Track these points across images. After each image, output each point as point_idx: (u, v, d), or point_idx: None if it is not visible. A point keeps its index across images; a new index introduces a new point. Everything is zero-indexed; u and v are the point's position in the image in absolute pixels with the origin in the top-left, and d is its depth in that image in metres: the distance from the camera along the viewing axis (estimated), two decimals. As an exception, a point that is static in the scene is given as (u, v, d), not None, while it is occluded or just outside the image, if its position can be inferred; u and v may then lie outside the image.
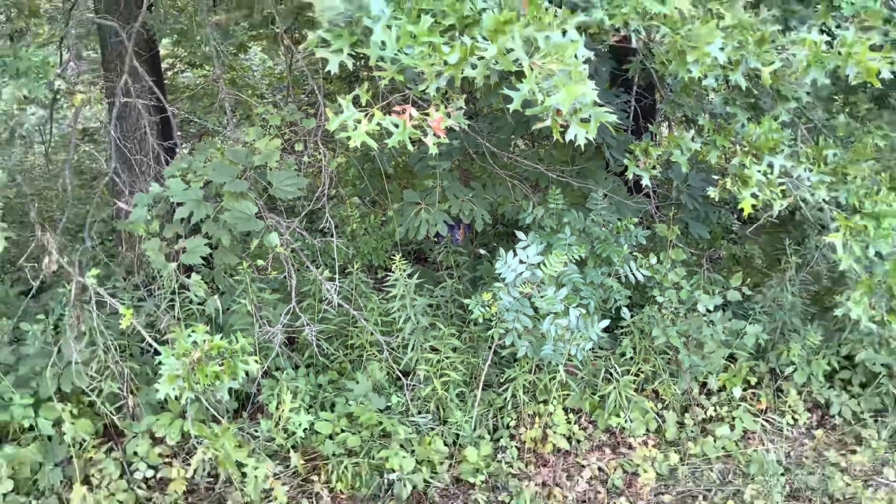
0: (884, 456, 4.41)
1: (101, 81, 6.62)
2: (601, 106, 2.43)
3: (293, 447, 4.13)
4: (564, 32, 2.47)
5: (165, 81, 7.14)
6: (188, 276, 4.36)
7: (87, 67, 8.00)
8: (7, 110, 3.89)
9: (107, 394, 4.10)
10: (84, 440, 4.05)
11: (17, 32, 5.55)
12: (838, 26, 3.22)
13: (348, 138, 2.45)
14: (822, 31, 3.17)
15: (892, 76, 3.17)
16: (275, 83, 8.49)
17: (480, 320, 4.19)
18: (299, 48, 4.57)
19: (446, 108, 2.55)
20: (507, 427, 4.47)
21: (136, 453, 4.09)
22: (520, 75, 2.35)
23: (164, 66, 7.36)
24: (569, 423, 4.49)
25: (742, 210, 3.39)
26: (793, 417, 4.74)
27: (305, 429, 4.09)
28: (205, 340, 3.45)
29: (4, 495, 3.89)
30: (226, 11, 6.43)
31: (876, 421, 4.63)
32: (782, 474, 4.28)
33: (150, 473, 4.07)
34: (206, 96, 7.39)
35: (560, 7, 2.68)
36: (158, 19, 5.42)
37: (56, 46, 5.91)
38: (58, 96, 6.52)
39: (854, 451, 4.48)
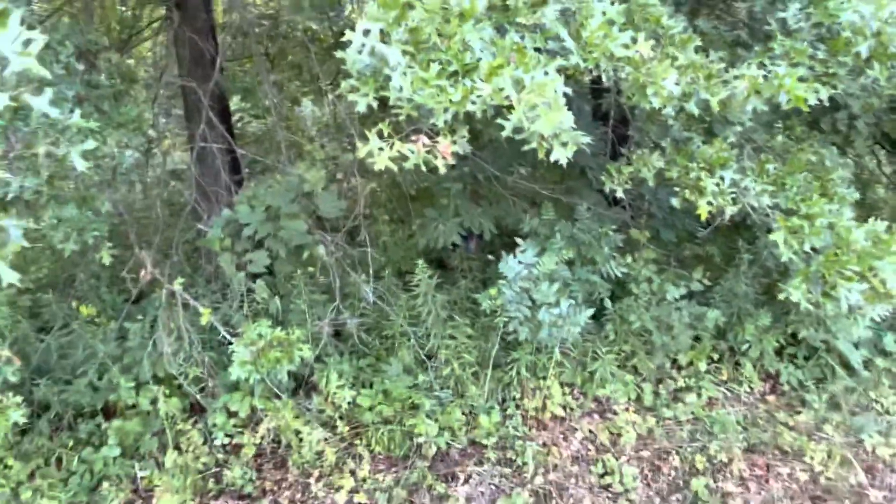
0: (823, 415, 4.31)
1: (185, 132, 6.72)
2: (578, 132, 2.44)
3: (340, 417, 4.13)
4: (546, 73, 2.48)
5: (236, 130, 7.23)
6: (254, 282, 4.39)
7: (175, 123, 8.12)
8: (110, 152, 3.95)
9: (192, 377, 4.13)
10: (174, 415, 4.08)
11: (119, 93, 5.64)
12: (773, 63, 3.19)
13: (374, 163, 2.47)
14: (759, 67, 3.14)
15: (818, 102, 3.15)
16: (322, 129, 8.56)
17: (489, 312, 4.17)
18: (338, 96, 4.62)
19: (452, 137, 2.56)
20: (513, 399, 4.43)
21: (215, 424, 4.11)
22: (510, 108, 2.36)
23: (234, 118, 7.46)
24: (563, 394, 4.44)
25: (700, 216, 3.36)
26: (749, 386, 4.66)
27: (349, 402, 4.09)
28: (268, 332, 3.48)
29: (114, 458, 3.93)
30: (281, 72, 6.51)
31: (817, 387, 4.54)
32: (741, 432, 4.21)
33: (226, 440, 4.09)
34: (266, 140, 7.47)
35: (542, 54, 2.69)
36: (228, 80, 5.48)
37: (150, 105, 6.01)
38: (151, 144, 6.64)
39: (799, 412, 4.39)
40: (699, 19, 4.33)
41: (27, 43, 1.69)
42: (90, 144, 2.25)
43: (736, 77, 3.11)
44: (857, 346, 4.54)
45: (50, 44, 3.19)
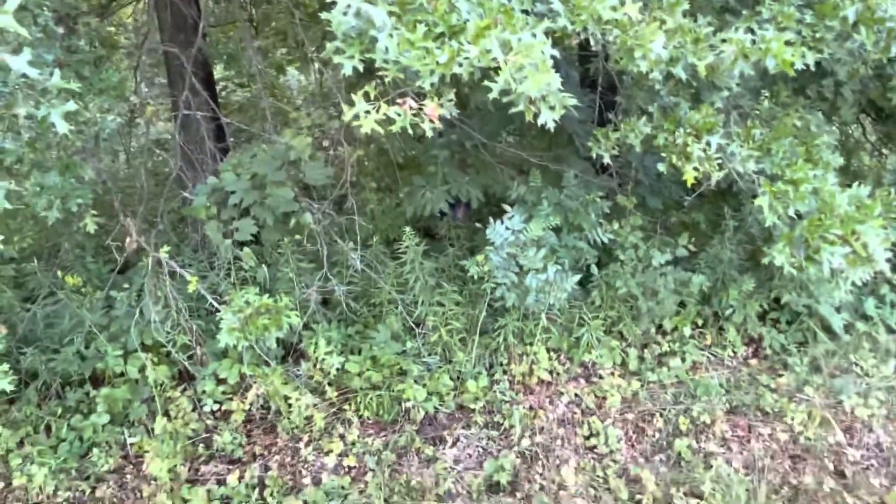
0: (805, 378, 4.39)
1: (169, 101, 6.62)
2: (565, 94, 2.42)
3: (329, 383, 4.16)
4: (534, 35, 2.46)
5: (220, 99, 7.12)
6: (241, 250, 4.37)
7: (159, 90, 7.99)
8: (92, 118, 3.89)
9: (180, 345, 4.13)
10: (163, 382, 4.09)
11: (100, 59, 5.54)
12: (760, 27, 3.17)
13: (360, 127, 2.45)
14: (747, 31, 3.13)
15: (804, 67, 3.15)
16: (308, 97, 8.45)
17: (476, 278, 4.19)
18: (324, 63, 4.54)
19: (439, 100, 2.54)
20: (501, 364, 4.47)
21: (204, 391, 4.13)
22: (497, 71, 2.34)
23: (218, 87, 7.34)
24: (550, 359, 4.49)
25: (686, 183, 3.38)
26: (732, 350, 4.72)
27: (338, 369, 4.10)
28: (256, 300, 3.48)
29: (103, 425, 3.94)
30: (265, 38, 6.39)
31: (799, 351, 4.62)
32: (723, 395, 4.29)
33: (215, 407, 4.12)
34: (251, 108, 7.37)
35: (530, 16, 2.66)
36: (211, 46, 5.38)
37: (133, 72, 5.91)
38: (134, 112, 6.53)
39: (781, 375, 4.47)
40: (688, -16, 4.29)
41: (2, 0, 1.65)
42: (71, 106, 2.21)
43: (723, 41, 3.09)
44: (838, 310, 4.61)
45: (27, 6, 3.11)
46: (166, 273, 4.14)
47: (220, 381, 4.18)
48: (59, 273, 4.47)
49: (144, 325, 4.14)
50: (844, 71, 4.30)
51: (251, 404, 4.10)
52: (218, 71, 7.47)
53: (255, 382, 4.07)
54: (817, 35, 3.29)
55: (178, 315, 4.14)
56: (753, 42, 3.03)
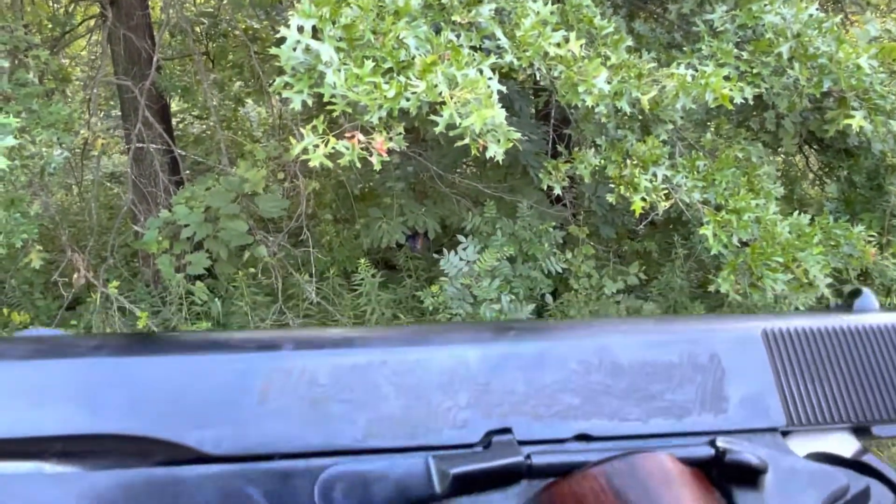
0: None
1: (122, 132, 6.54)
2: (511, 128, 2.47)
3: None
4: (480, 71, 2.51)
5: (177, 132, 7.06)
6: (194, 284, 4.30)
7: (113, 124, 7.90)
8: (38, 151, 3.82)
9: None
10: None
11: (50, 92, 5.46)
12: (701, 63, 3.30)
13: (309, 160, 2.45)
14: (688, 67, 3.24)
15: (744, 101, 3.28)
16: (268, 129, 8.44)
17: (431, 309, 4.18)
18: (279, 95, 4.54)
19: (388, 133, 2.56)
20: (459, 395, 4.43)
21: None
22: (444, 105, 2.37)
23: (175, 120, 7.28)
24: (508, 389, 4.47)
25: (635, 212, 3.45)
26: (686, 376, 4.77)
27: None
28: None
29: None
30: (222, 71, 6.38)
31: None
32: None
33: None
34: (208, 140, 7.32)
35: (478, 52, 2.72)
36: (165, 78, 5.36)
37: (86, 105, 5.83)
38: (86, 145, 6.42)
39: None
40: (636, 21, 4.45)
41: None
42: (11, 141, 2.17)
43: (665, 76, 3.20)
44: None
45: (-30, 39, 3.06)
46: (115, 309, 4.04)
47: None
48: (6, 311, 4.32)
49: (92, 363, 4.02)
50: (784, 104, 4.49)
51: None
52: (175, 103, 7.42)
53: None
54: (754, 70, 3.43)
55: (128, 352, 4.03)
56: (693, 77, 3.14)
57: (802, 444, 0.49)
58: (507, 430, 0.45)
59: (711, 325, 0.54)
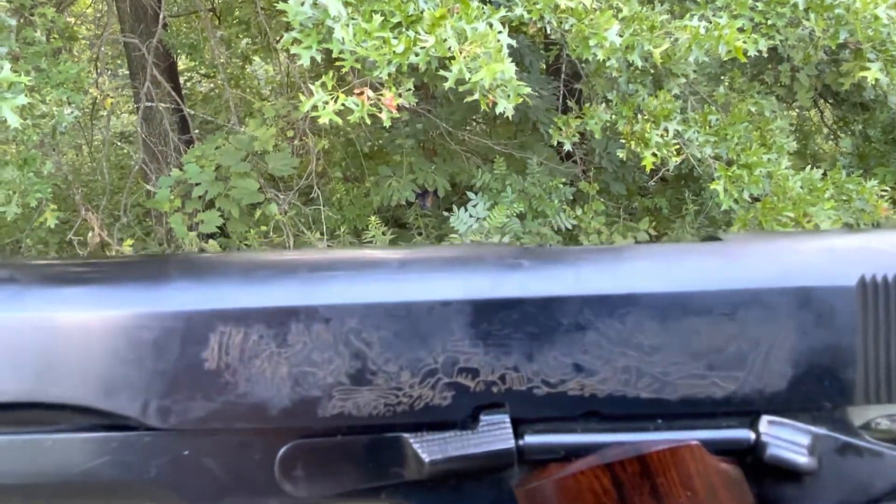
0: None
1: (131, 91, 6.52)
2: (521, 83, 2.46)
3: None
4: (490, 24, 2.48)
5: (184, 91, 7.02)
6: (207, 243, 4.34)
7: (121, 83, 7.86)
8: (49, 111, 3.83)
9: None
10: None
11: (57, 50, 5.44)
12: (714, 15, 3.23)
13: (318, 118, 2.46)
14: (702, 19, 3.18)
15: (758, 54, 3.22)
16: (275, 87, 8.37)
17: (442, 266, 4.21)
18: (287, 52, 4.51)
19: (397, 89, 2.55)
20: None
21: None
22: (453, 60, 2.36)
23: (183, 78, 7.23)
24: (518, 344, 4.53)
25: (646, 168, 3.44)
26: (694, 331, 4.81)
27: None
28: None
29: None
30: (228, 28, 6.31)
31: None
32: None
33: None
34: (216, 99, 7.29)
35: (487, 5, 2.68)
36: (172, 35, 5.31)
37: (94, 64, 5.80)
38: (95, 104, 6.40)
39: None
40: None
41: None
42: (22, 100, 2.18)
43: (678, 28, 3.15)
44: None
45: (-24, -3, 3.05)
46: (131, 267, 4.10)
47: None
48: (21, 269, 4.39)
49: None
50: (799, 56, 4.41)
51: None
52: (182, 62, 7.37)
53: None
54: (769, 22, 3.36)
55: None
56: (707, 29, 3.09)
57: (873, 424, 0.40)
58: (499, 406, 0.38)
59: (788, 260, 0.41)
